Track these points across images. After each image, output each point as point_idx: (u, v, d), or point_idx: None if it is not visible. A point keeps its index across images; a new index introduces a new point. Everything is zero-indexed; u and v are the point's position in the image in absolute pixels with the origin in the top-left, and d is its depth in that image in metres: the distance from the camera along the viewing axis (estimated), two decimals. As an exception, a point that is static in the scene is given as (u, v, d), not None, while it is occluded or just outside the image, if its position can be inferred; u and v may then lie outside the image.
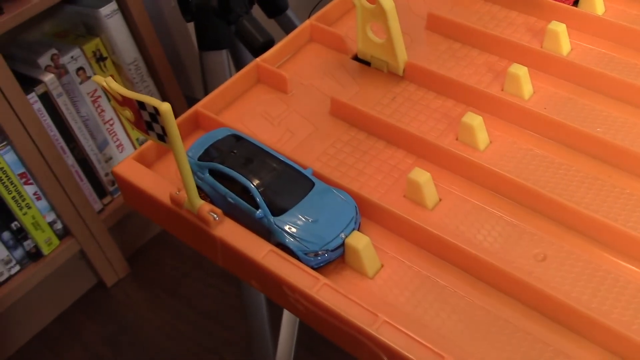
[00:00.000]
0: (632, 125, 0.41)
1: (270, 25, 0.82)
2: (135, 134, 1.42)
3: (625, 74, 0.44)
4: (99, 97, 1.34)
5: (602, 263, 0.35)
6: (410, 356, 0.30)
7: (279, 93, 0.46)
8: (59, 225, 1.32)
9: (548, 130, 0.41)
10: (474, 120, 0.40)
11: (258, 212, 0.36)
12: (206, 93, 0.84)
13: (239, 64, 0.83)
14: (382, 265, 0.36)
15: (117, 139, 1.41)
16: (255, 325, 0.89)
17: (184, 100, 1.42)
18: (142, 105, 0.33)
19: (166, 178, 0.40)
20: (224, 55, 0.80)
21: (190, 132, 0.43)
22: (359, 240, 0.35)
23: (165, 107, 0.31)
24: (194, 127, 0.44)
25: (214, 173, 0.38)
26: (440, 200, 0.39)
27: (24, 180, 1.24)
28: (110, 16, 1.29)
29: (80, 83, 1.32)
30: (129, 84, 1.35)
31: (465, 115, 0.41)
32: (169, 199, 0.37)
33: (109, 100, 0.35)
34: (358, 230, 0.36)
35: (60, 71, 1.29)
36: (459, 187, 0.39)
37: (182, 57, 1.45)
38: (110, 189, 1.39)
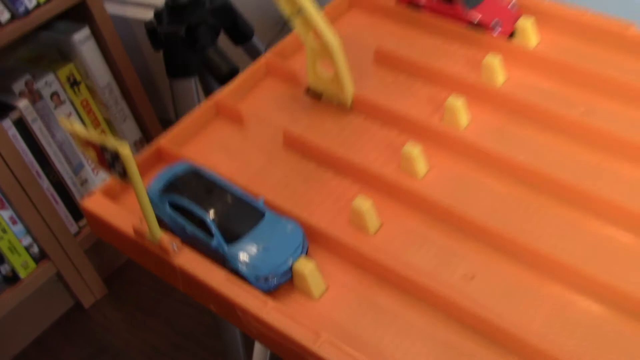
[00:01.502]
0: (559, 152, 0.45)
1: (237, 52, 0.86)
2: (110, 156, 1.43)
3: (554, 103, 0.48)
4: (73, 121, 1.37)
5: (525, 281, 0.39)
6: (349, 370, 0.33)
7: (236, 126, 0.49)
8: (35, 249, 1.34)
9: (482, 158, 0.45)
10: (413, 150, 0.44)
11: (213, 241, 0.39)
12: (176, 118, 0.88)
13: (207, 90, 0.86)
14: (328, 287, 0.39)
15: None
16: (228, 345, 0.92)
17: (158, 121, 1.45)
18: (104, 147, 0.36)
19: (132, 210, 0.43)
20: (192, 82, 0.84)
21: (153, 165, 0.47)
22: (305, 265, 0.38)
23: (125, 151, 0.34)
24: (157, 160, 0.47)
25: (173, 205, 0.41)
26: (381, 225, 0.42)
27: (-1, 205, 1.26)
28: (83, 42, 1.32)
29: (55, 108, 1.35)
30: (103, 107, 1.38)
31: (405, 145, 0.45)
32: (131, 230, 0.40)
33: (75, 142, 0.37)
34: (306, 255, 0.40)
35: (35, 96, 1.31)
36: (399, 213, 0.43)
37: (155, 80, 1.48)
38: (86, 210, 1.40)
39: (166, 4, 0.83)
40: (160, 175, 0.43)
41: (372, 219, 0.41)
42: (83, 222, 1.39)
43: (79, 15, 1.29)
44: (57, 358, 1.38)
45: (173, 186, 0.42)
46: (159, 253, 0.39)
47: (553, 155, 0.45)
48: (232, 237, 0.39)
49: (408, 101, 0.50)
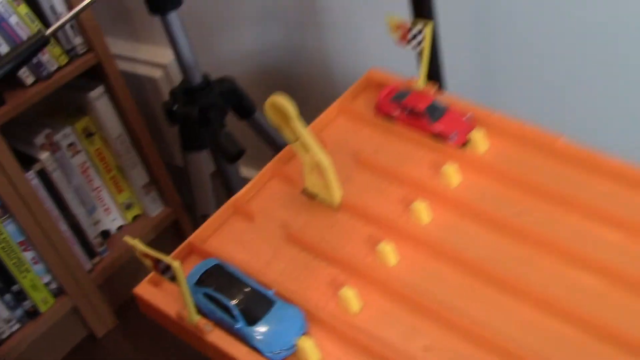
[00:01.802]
0: (497, 246, 0.59)
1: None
2: (121, 198, 1.58)
3: (496, 203, 0.62)
4: (88, 167, 1.51)
5: (468, 352, 0.53)
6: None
7: (248, 223, 0.63)
8: (53, 285, 1.47)
9: (440, 250, 0.59)
10: (386, 247, 0.58)
11: (237, 324, 0.53)
12: (189, 187, 1.01)
13: (216, 161, 1.00)
14: (323, 358, 0.53)
15: (104, 204, 1.57)
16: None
17: (164, 167, 1.59)
18: (159, 260, 0.50)
19: (171, 294, 0.57)
20: (203, 155, 0.97)
21: (186, 257, 0.61)
22: (304, 342, 0.52)
23: (175, 264, 0.48)
24: (189, 253, 0.61)
25: (206, 295, 0.55)
26: (363, 306, 0.56)
27: (23, 247, 1.40)
28: (98, 98, 1.46)
29: (72, 157, 1.49)
30: (115, 155, 1.52)
31: (381, 242, 0.59)
32: (175, 315, 0.54)
33: (136, 253, 0.50)
34: (306, 333, 0.54)
35: (54, 148, 1.45)
36: (376, 296, 0.57)
37: (162, 129, 1.61)
38: (99, 249, 1.55)
39: (180, 86, 0.97)
40: (194, 270, 0.57)
41: (355, 303, 0.56)
42: (96, 259, 1.53)
43: (95, 73, 1.42)
44: (73, 385, 1.50)
45: (204, 279, 0.56)
46: (196, 332, 0.53)
47: (494, 249, 0.59)
48: (251, 320, 0.53)
49: (384, 202, 0.64)
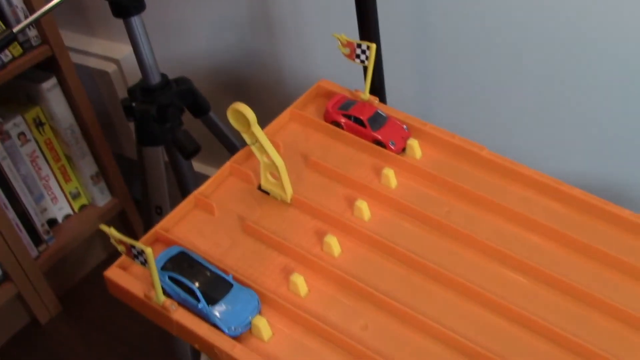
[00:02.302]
0: (429, 241, 0.68)
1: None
2: (69, 187, 1.61)
3: (428, 203, 0.71)
4: (37, 157, 1.54)
5: (399, 332, 0.61)
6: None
7: (209, 215, 0.70)
8: (-1, 272, 1.48)
9: (379, 244, 0.67)
10: (332, 240, 0.66)
11: (199, 304, 0.60)
12: (143, 181, 1.07)
13: (171, 157, 1.06)
14: (273, 334, 0.61)
15: (52, 193, 1.60)
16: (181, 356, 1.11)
17: (113, 157, 1.62)
18: (133, 245, 0.56)
19: (138, 277, 0.63)
20: (159, 151, 1.03)
21: (152, 243, 0.67)
22: (258, 320, 0.60)
23: (148, 250, 0.55)
24: (154, 241, 0.68)
25: (171, 278, 0.62)
26: (309, 291, 0.64)
27: (-29, 234, 1.41)
28: (50, 90, 1.49)
29: (21, 146, 1.51)
30: (64, 145, 1.55)
31: (326, 235, 0.67)
32: (143, 295, 0.61)
33: (111, 240, 0.56)
34: (259, 313, 0.61)
35: (4, 136, 1.47)
36: (322, 282, 0.65)
37: (112, 120, 1.64)
38: (45, 237, 1.57)
39: (139, 84, 1.02)
40: (160, 257, 0.63)
41: (303, 288, 0.63)
42: (43, 246, 1.56)
43: (48, 65, 1.45)
44: (17, 370, 1.52)
45: (169, 264, 0.63)
46: (162, 311, 0.60)
47: (425, 244, 0.68)
48: (212, 301, 0.60)
49: (330, 199, 0.72)
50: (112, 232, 0.57)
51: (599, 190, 1.03)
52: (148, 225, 1.14)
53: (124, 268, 0.64)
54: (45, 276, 1.56)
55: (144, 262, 0.57)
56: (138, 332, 1.53)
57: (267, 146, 0.67)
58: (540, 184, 0.72)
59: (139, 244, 0.56)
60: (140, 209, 1.68)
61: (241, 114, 0.65)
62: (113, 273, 0.63)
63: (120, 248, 0.59)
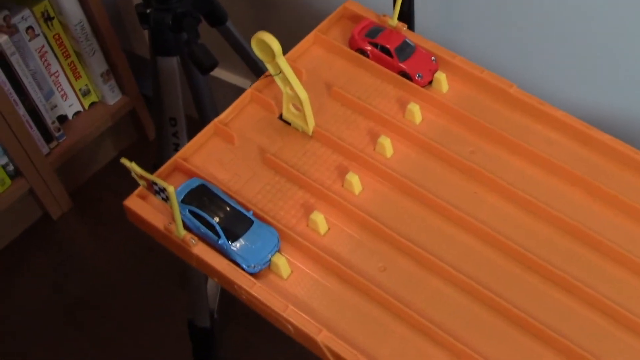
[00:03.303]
0: (450, 182, 0.67)
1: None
2: (79, 84, 1.59)
3: (452, 141, 0.69)
4: (46, 52, 1.50)
5: (416, 272, 0.62)
6: (305, 330, 0.56)
7: (228, 144, 0.69)
8: (10, 167, 1.50)
9: (400, 183, 0.66)
10: (353, 177, 0.66)
11: (219, 239, 0.60)
12: (156, 90, 1.04)
13: (187, 69, 1.03)
14: (292, 272, 0.61)
15: (62, 89, 1.58)
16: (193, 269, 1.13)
17: (124, 55, 1.59)
18: (154, 182, 0.55)
19: (157, 208, 0.63)
20: (174, 61, 1.00)
21: (170, 173, 0.67)
22: (278, 258, 0.60)
23: (170, 189, 0.54)
24: (173, 169, 0.67)
25: (191, 212, 0.61)
26: (329, 229, 0.64)
27: (-21, 129, 1.40)
28: (59, -18, 1.41)
29: (29, 40, 1.47)
30: (74, 41, 1.51)
31: (348, 173, 0.66)
32: (163, 228, 0.61)
33: (133, 174, 0.54)
34: (279, 251, 0.61)
35: (12, 30, 1.43)
36: (341, 220, 0.64)
37: (122, 15, 1.59)
38: (56, 134, 1.57)
39: (154, -11, 0.97)
40: (180, 189, 0.63)
41: (323, 226, 0.63)
42: (53, 143, 1.56)
43: (56, -44, 1.38)
44: (28, 262, 1.57)
45: (189, 197, 0.62)
46: (182, 244, 0.60)
47: (447, 185, 0.67)
48: (232, 237, 0.60)
49: (352, 133, 0.70)
50: (133, 166, 0.56)
51: (632, 131, 1.01)
52: (160, 132, 1.13)
53: (143, 197, 0.64)
54: (57, 172, 1.57)
55: (166, 199, 0.56)
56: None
57: (292, 78, 0.64)
58: (569, 126, 0.70)
59: (161, 181, 0.55)
60: (150, 107, 1.66)
61: (266, 44, 0.62)
62: (132, 202, 0.63)
63: (142, 183, 0.58)
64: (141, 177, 0.57)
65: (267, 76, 0.68)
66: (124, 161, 0.57)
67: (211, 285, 1.22)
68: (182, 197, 0.62)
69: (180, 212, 0.60)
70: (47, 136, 1.52)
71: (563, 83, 1.06)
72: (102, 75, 1.56)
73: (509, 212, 0.66)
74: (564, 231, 0.64)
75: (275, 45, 0.62)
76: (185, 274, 1.19)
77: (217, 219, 0.61)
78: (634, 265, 0.61)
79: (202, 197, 0.62)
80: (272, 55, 0.63)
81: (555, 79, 1.05)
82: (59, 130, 1.54)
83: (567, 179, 0.67)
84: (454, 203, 0.65)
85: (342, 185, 0.67)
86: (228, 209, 0.62)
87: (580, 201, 0.66)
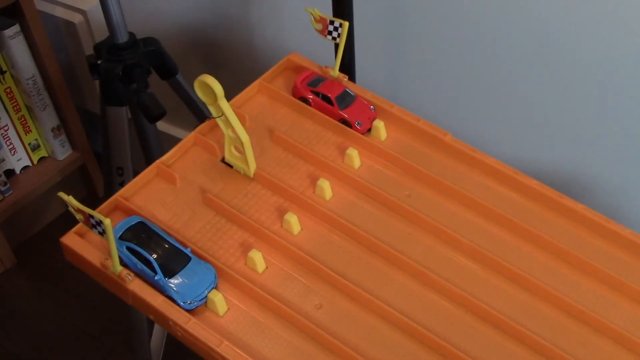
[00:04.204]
0: (387, 223, 0.69)
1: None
2: (28, 139, 1.58)
3: (390, 185, 0.72)
4: (-4, 105, 1.49)
5: (353, 311, 0.63)
6: (239, 365, 0.56)
7: (170, 185, 0.70)
8: (-47, 221, 1.45)
9: (338, 224, 0.68)
10: (292, 217, 0.67)
11: (156, 276, 0.60)
12: (105, 140, 1.05)
13: (136, 118, 1.04)
14: (229, 309, 0.62)
15: (11, 143, 1.57)
16: (136, 323, 1.12)
17: (75, 110, 1.59)
18: (91, 215, 0.56)
19: (95, 245, 0.63)
20: (123, 111, 1.02)
21: (111, 212, 0.67)
22: (214, 295, 0.61)
23: (107, 222, 0.55)
24: (114, 209, 0.67)
25: (129, 248, 0.61)
26: (266, 268, 0.65)
27: None
28: (13, 37, 1.44)
29: (-20, 93, 1.46)
30: (25, 96, 1.51)
31: (287, 213, 0.67)
32: (99, 264, 0.61)
33: (69, 207, 0.55)
34: (216, 288, 0.62)
35: (-37, 82, 1.42)
36: (280, 259, 0.65)
37: (75, 71, 1.61)
38: (2, 188, 1.55)
39: (106, 41, 1.00)
40: (119, 226, 0.63)
41: (260, 264, 0.64)
42: (-1, 198, 1.52)
43: (11, 11, 1.40)
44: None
45: (128, 234, 0.62)
46: (118, 281, 0.60)
47: (384, 226, 0.69)
48: (169, 273, 0.61)
49: (293, 176, 0.72)
50: (70, 200, 0.57)
51: (564, 181, 1.06)
52: (108, 183, 1.13)
53: (81, 234, 0.64)
54: (1, 228, 1.53)
55: (102, 233, 0.57)
56: (93, 289, 1.52)
57: (233, 121, 0.66)
58: (499, 172, 0.74)
59: (97, 214, 0.56)
60: (101, 163, 1.66)
61: (208, 87, 0.64)
62: (70, 239, 0.63)
63: (79, 217, 0.58)
64: (78, 210, 0.57)
65: (210, 119, 0.70)
66: (62, 195, 0.57)
67: (155, 341, 1.20)
68: (120, 233, 0.63)
69: (118, 249, 0.61)
70: (-7, 190, 1.49)
71: (492, 135, 1.11)
72: (52, 130, 1.56)
73: (442, 252, 0.68)
74: (495, 270, 0.66)
75: (217, 87, 0.64)
76: (128, 329, 1.17)
77: (154, 255, 0.61)
78: (559, 301, 0.64)
79: (140, 234, 0.63)
80: (214, 97, 0.65)
81: (486, 131, 1.11)
82: (5, 184, 1.52)
83: (497, 221, 0.70)
84: (390, 243, 0.67)
85: (281, 226, 0.68)
86: (166, 245, 0.62)
87: (510, 241, 0.69)
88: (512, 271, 0.65)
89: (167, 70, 1.05)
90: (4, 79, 1.47)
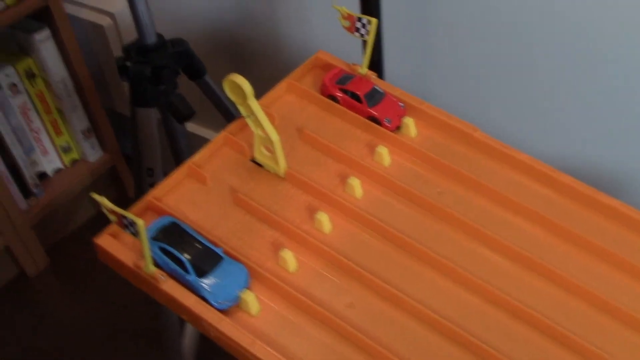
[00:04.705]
0: (418, 221, 0.69)
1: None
2: (59, 141, 1.60)
3: (420, 183, 0.71)
4: (28, 109, 1.52)
5: (388, 312, 0.62)
6: (272, 364, 0.56)
7: (201, 185, 0.70)
8: (-13, 224, 1.48)
9: (369, 222, 0.68)
10: (323, 216, 0.67)
11: (189, 276, 0.60)
12: (135, 142, 1.06)
13: (165, 119, 1.05)
14: (261, 309, 0.62)
15: (43, 146, 1.59)
16: (168, 323, 1.12)
17: (104, 112, 1.61)
18: (124, 216, 0.56)
19: (128, 246, 0.63)
20: (153, 112, 1.02)
21: (143, 212, 0.67)
22: (247, 294, 0.60)
23: (140, 223, 0.55)
24: (146, 209, 0.68)
25: (161, 249, 0.62)
26: (298, 267, 0.65)
27: (-42, 184, 1.40)
28: (43, 41, 1.46)
29: (12, 97, 1.49)
30: (56, 98, 1.53)
31: (317, 212, 0.67)
32: (132, 265, 0.61)
33: (103, 209, 0.56)
34: (248, 287, 0.62)
35: (-5, 87, 1.45)
36: (311, 258, 0.65)
37: (105, 75, 1.62)
38: (35, 190, 1.57)
39: (135, 43, 1.01)
40: (151, 226, 0.63)
41: (292, 264, 0.64)
42: (32, 200, 1.55)
43: (41, 15, 1.42)
44: (2, 322, 1.54)
45: (160, 234, 0.63)
46: (151, 281, 0.61)
47: (414, 224, 0.68)
48: (201, 273, 0.61)
49: (323, 174, 0.72)
50: (103, 201, 0.57)
51: (594, 176, 1.04)
52: (139, 185, 1.14)
53: (114, 235, 0.64)
54: (34, 229, 1.56)
55: (135, 233, 0.57)
56: (125, 289, 1.53)
57: (263, 120, 0.66)
58: (532, 169, 0.72)
59: (130, 215, 0.56)
60: (130, 164, 1.67)
61: (237, 86, 0.64)
62: (103, 240, 0.63)
63: (112, 217, 0.59)
64: (111, 211, 0.58)
65: (239, 119, 0.70)
66: (95, 195, 0.58)
67: (188, 341, 1.21)
68: (153, 234, 0.63)
69: (150, 249, 0.61)
70: (26, 192, 1.52)
71: (524, 130, 1.09)
72: (83, 132, 1.58)
73: (475, 250, 0.67)
74: (530, 268, 0.65)
75: (246, 86, 0.64)
76: (160, 329, 1.18)
77: (186, 255, 0.61)
78: (595, 299, 0.62)
79: (172, 234, 0.63)
80: (244, 96, 0.65)
81: (517, 127, 1.09)
82: (38, 186, 1.54)
83: (530, 218, 0.69)
84: (421, 241, 0.66)
85: (313, 225, 0.68)
86: (198, 245, 0.62)
87: (544, 239, 0.68)
88: (547, 269, 0.64)
89: (195, 71, 1.06)
90: (35, 82, 1.49)
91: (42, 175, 1.58)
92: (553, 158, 1.07)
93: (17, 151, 1.50)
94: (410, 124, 0.76)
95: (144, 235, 0.57)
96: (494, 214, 0.70)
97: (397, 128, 0.77)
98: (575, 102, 1.03)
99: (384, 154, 0.73)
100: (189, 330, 1.19)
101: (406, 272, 0.65)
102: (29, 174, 1.54)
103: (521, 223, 0.69)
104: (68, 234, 1.67)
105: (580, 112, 1.03)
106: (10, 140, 1.48)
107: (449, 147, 0.75)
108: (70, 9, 1.50)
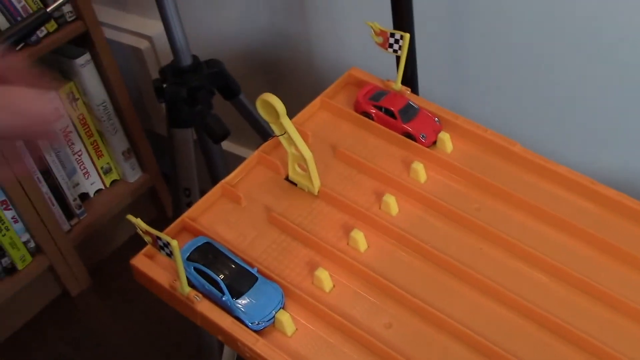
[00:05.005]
0: (456, 238, 0.67)
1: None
2: (100, 162, 1.63)
3: (458, 199, 0.70)
4: (70, 132, 1.55)
5: (425, 332, 0.61)
6: (308, 386, 0.55)
7: (235, 205, 0.70)
8: (32, 244, 1.52)
9: (405, 240, 0.66)
10: (358, 234, 0.66)
11: (223, 296, 0.60)
12: (172, 162, 1.07)
13: (202, 139, 1.06)
14: (297, 329, 0.61)
15: (84, 168, 1.62)
16: (207, 343, 1.13)
17: (144, 134, 1.63)
18: (159, 237, 0.57)
19: (164, 266, 0.64)
20: (189, 132, 1.03)
21: (178, 233, 0.68)
22: (282, 315, 0.60)
23: (174, 243, 0.55)
24: (181, 230, 0.68)
25: (196, 269, 0.62)
26: (334, 286, 0.64)
27: (4, 206, 1.45)
28: (83, 66, 1.49)
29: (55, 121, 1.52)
30: (97, 121, 1.56)
31: (353, 230, 0.66)
32: (168, 285, 0.61)
33: (138, 230, 0.56)
34: (283, 307, 0.61)
35: (38, 111, 1.48)
36: (347, 278, 0.64)
37: (143, 97, 1.65)
38: (77, 211, 1.60)
39: (170, 65, 1.02)
40: (186, 247, 0.63)
41: (328, 283, 0.63)
42: (74, 220, 1.58)
43: (82, 40, 1.45)
44: (45, 341, 1.56)
45: (195, 255, 0.63)
46: (186, 302, 0.61)
47: (453, 241, 0.67)
48: (236, 294, 0.61)
49: (357, 192, 0.71)
50: (138, 222, 0.57)
51: (636, 188, 1.01)
52: (177, 204, 1.15)
53: (149, 256, 0.65)
54: (77, 249, 1.58)
55: (170, 254, 0.57)
56: (165, 308, 1.54)
57: (296, 138, 0.66)
58: (573, 182, 0.70)
59: (165, 236, 0.56)
60: (169, 184, 1.69)
61: (270, 105, 0.64)
62: (139, 261, 0.64)
63: (147, 238, 0.59)
64: (146, 232, 0.58)
65: (273, 137, 0.70)
66: (130, 217, 0.58)
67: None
68: (188, 254, 0.63)
69: (185, 270, 0.61)
70: (68, 213, 1.55)
71: (563, 144, 1.07)
72: (123, 154, 1.61)
73: (515, 267, 0.65)
74: (573, 286, 0.63)
75: (279, 105, 0.64)
76: (199, 348, 1.18)
77: (221, 276, 0.61)
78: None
79: (207, 255, 0.63)
80: (277, 115, 0.65)
81: (555, 140, 1.07)
82: (80, 207, 1.57)
83: (572, 233, 0.67)
84: (460, 259, 0.65)
85: (348, 243, 0.67)
86: (233, 266, 0.62)
87: (587, 255, 0.65)
88: (591, 286, 0.62)
89: (230, 91, 1.07)
90: (77, 106, 1.52)
91: (84, 197, 1.61)
92: (595, 171, 1.05)
93: (59, 173, 1.53)
94: (446, 139, 0.75)
95: (178, 256, 0.57)
96: (534, 229, 0.68)
97: (433, 143, 0.76)
98: (620, 112, 1.00)
99: (420, 170, 0.72)
100: (227, 350, 1.19)
101: (444, 291, 0.63)
102: (71, 196, 1.57)
103: (563, 238, 0.67)
104: (109, 254, 1.69)
105: (625, 122, 1.01)
106: (53, 163, 1.52)
107: (487, 161, 0.74)
108: (110, 33, 1.53)
